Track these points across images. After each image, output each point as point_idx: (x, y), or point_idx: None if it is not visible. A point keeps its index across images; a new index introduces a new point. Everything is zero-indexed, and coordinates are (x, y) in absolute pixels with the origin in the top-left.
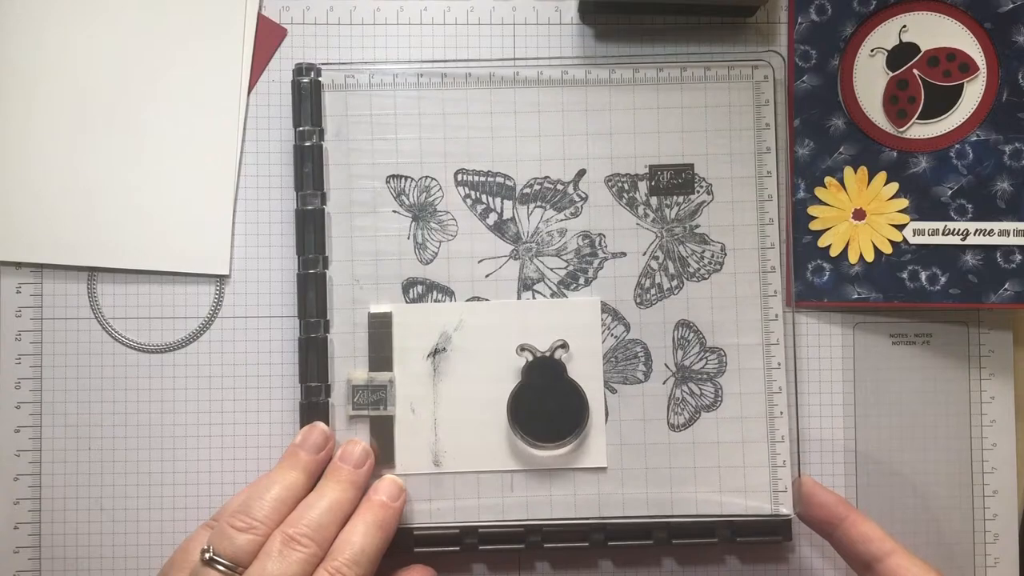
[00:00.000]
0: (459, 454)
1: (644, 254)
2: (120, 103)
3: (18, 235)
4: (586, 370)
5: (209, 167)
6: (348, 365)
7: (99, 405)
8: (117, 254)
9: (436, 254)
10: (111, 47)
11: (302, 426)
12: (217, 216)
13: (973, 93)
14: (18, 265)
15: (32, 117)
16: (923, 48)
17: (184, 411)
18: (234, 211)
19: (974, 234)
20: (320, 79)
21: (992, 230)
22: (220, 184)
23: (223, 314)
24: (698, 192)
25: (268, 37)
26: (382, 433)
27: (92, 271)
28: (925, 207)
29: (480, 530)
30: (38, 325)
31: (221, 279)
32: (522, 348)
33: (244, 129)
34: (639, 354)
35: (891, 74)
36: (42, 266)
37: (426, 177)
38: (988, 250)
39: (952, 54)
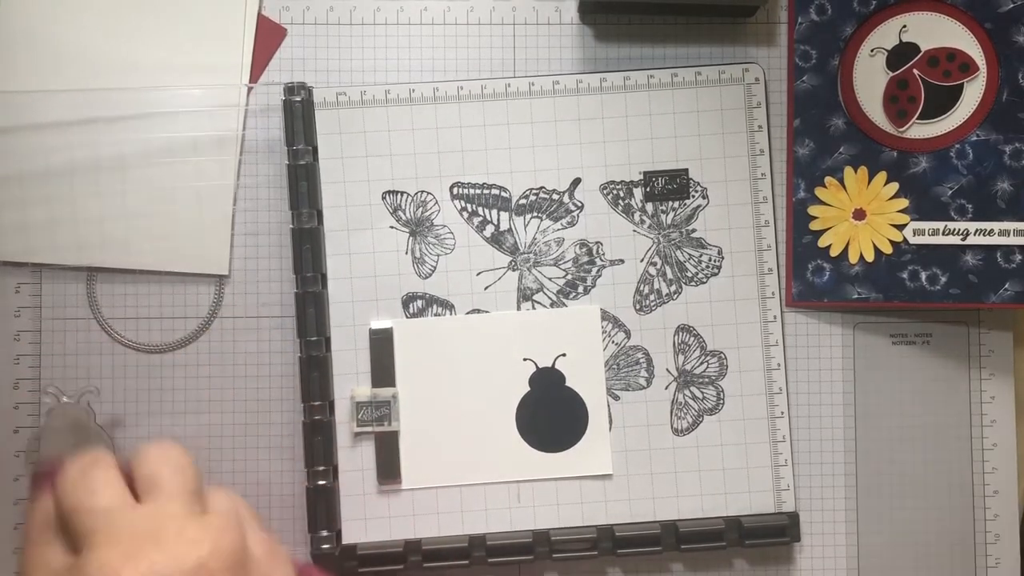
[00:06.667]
0: (465, 467)
1: (642, 260)
2: (120, 102)
3: (17, 234)
4: (588, 378)
5: (209, 166)
6: (350, 382)
7: (98, 405)
8: (116, 254)
9: (435, 268)
10: (111, 47)
11: (305, 443)
12: (217, 216)
13: (973, 93)
14: (17, 265)
15: (31, 116)
16: (923, 48)
17: (184, 411)
18: (234, 211)
19: (974, 234)
20: (312, 97)
21: (992, 230)
22: (220, 184)
23: (223, 314)
24: (693, 196)
25: (268, 37)
26: (387, 449)
27: (91, 271)
28: (925, 207)
29: (488, 543)
30: (37, 325)
31: (221, 279)
32: (524, 359)
33: (244, 128)
34: (640, 360)
35: (891, 74)
36: (41, 266)
37: (422, 192)
38: (988, 250)
39: (952, 54)
